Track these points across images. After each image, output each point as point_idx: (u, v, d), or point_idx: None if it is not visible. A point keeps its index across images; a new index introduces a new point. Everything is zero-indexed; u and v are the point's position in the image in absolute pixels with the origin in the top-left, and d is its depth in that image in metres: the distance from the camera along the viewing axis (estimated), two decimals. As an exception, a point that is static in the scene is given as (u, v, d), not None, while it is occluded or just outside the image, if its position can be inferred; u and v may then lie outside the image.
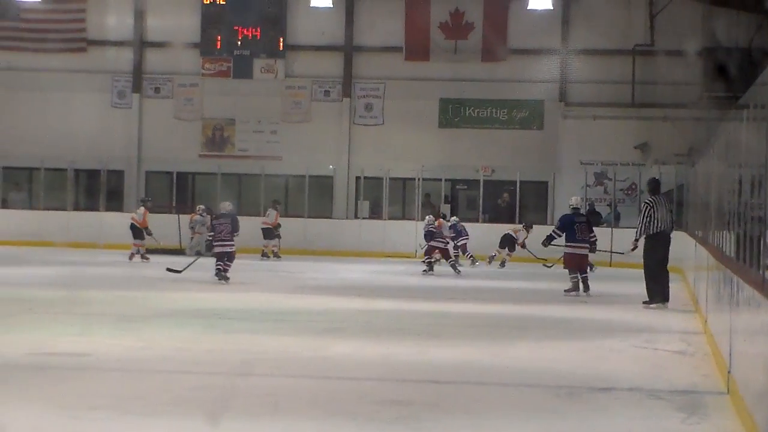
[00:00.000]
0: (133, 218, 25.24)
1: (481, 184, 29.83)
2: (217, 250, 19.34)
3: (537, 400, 9.01)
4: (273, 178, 31.00)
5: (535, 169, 30.21)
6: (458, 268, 22.75)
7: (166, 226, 25.04)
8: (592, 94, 30.47)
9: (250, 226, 28.13)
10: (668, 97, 29.11)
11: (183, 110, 32.35)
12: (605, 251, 24.17)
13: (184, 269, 19.31)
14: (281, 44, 31.87)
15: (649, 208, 16.08)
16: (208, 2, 31.98)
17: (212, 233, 19.58)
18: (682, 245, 19.48)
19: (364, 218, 30.24)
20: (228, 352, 11.11)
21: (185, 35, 32.16)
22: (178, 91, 32.39)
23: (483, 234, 27.71)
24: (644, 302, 16.21)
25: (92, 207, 30.71)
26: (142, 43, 32.38)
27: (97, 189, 31.23)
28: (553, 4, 29.07)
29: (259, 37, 31.93)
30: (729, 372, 9.08)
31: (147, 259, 24.09)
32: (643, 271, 16.45)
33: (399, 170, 29.97)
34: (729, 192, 10.77)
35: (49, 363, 10.12)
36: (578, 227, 18.31)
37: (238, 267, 23.55)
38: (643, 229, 16.09)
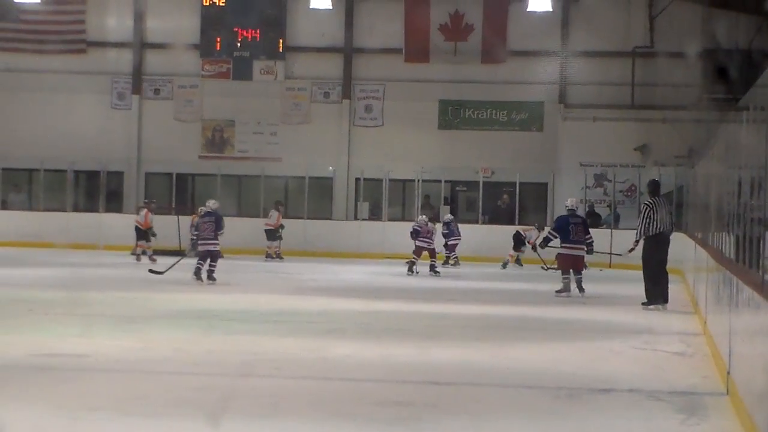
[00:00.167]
0: (136, 221, 25.41)
1: (481, 185, 29.84)
2: (201, 249, 19.17)
3: (537, 401, 9.02)
4: (273, 179, 31.01)
5: (535, 170, 30.21)
6: (437, 270, 22.64)
7: (165, 227, 24.99)
8: (591, 95, 30.48)
9: (250, 228, 28.27)
10: (668, 99, 29.11)
11: (183, 111, 32.37)
12: (604, 253, 24.21)
13: (167, 270, 19.20)
14: (281, 46, 31.87)
15: (648, 209, 16.09)
16: (208, 4, 31.99)
17: (197, 232, 19.30)
18: (681, 247, 19.49)
19: (363, 220, 30.25)
20: (228, 353, 11.12)
21: (185, 37, 32.16)
22: (177, 92, 32.40)
23: (483, 235, 27.75)
24: (643, 303, 16.22)
25: (92, 208, 30.70)
26: (141, 45, 32.38)
27: (96, 190, 31.22)
28: (552, 6, 29.09)
29: (258, 38, 31.94)
30: (728, 373, 9.09)
31: (154, 260, 24.02)
32: (642, 272, 16.47)
33: (399, 172, 29.97)
34: (729, 194, 10.78)
35: (49, 364, 10.12)
36: (573, 228, 18.31)
37: (238, 268, 23.61)
38: (642, 230, 16.10)
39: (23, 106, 32.19)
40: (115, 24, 32.30)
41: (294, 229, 27.14)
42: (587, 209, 28.84)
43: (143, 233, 24.87)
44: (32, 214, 30.21)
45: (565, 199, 27.19)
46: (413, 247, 22.89)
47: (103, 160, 30.93)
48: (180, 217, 27.62)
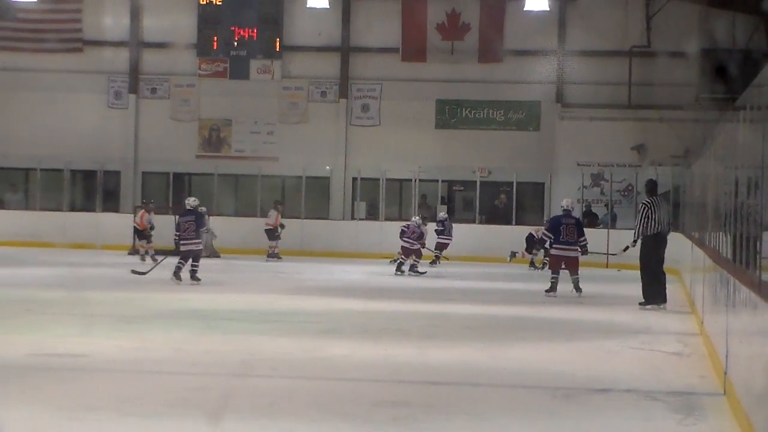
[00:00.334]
0: (134, 222, 25.44)
1: (478, 185, 29.83)
2: (182, 248, 18.94)
3: (534, 401, 9.03)
4: (270, 178, 31.01)
5: (532, 170, 30.21)
6: (419, 270, 22.60)
7: (163, 226, 24.99)
8: (588, 95, 30.48)
9: (247, 227, 28.29)
10: (665, 99, 29.13)
11: (180, 111, 32.35)
12: (599, 253, 24.26)
13: (149, 271, 19.08)
14: (278, 45, 31.86)
15: (647, 208, 16.10)
16: (205, 3, 31.97)
17: (178, 232, 19.08)
18: (678, 247, 19.50)
19: (360, 219, 30.24)
20: (226, 353, 11.12)
21: (182, 36, 32.15)
22: (174, 91, 32.39)
23: (480, 235, 27.74)
24: (640, 303, 16.23)
25: (89, 208, 30.68)
26: (138, 44, 32.35)
27: (93, 189, 31.20)
28: (549, 6, 29.09)
29: (255, 37, 31.93)
30: (725, 373, 9.10)
31: (156, 260, 23.97)
32: (639, 272, 16.49)
33: (396, 171, 29.96)
34: (726, 193, 10.79)
35: (47, 364, 10.13)
36: (564, 229, 18.31)
37: (235, 268, 23.63)
38: (641, 229, 16.11)
39: (20, 105, 32.18)
40: (112, 23, 32.25)
41: (291, 228, 27.13)
42: (584, 209, 28.85)
43: (143, 234, 24.83)
44: (29, 214, 30.18)
45: (562, 198, 27.27)
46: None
47: (100, 159, 30.92)
48: (177, 216, 27.67)
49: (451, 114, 31.55)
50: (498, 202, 30.26)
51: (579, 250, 18.40)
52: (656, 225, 16.03)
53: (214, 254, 26.80)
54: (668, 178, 25.99)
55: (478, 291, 19.68)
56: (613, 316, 15.62)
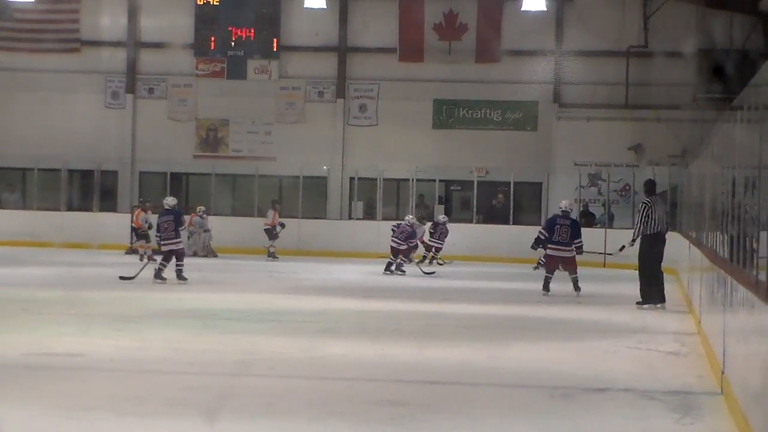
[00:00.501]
0: (132, 222, 25.45)
1: (475, 185, 29.84)
2: (164, 249, 18.79)
3: (532, 400, 9.04)
4: (267, 178, 30.99)
5: (529, 170, 30.21)
6: (403, 269, 22.51)
7: (160, 226, 24.99)
8: (586, 95, 30.49)
9: (244, 227, 28.29)
10: (662, 99, 29.15)
11: (177, 111, 32.34)
12: (595, 252, 24.31)
13: (137, 274, 18.93)
14: (275, 45, 31.85)
15: (647, 208, 16.11)
16: (202, 3, 31.96)
17: (158, 233, 18.90)
18: (676, 246, 19.51)
19: (358, 219, 30.24)
20: (223, 352, 11.12)
21: (179, 36, 32.14)
22: (172, 91, 32.37)
23: (477, 235, 27.73)
24: (638, 303, 16.24)
25: (86, 207, 30.66)
26: (135, 44, 32.34)
27: (90, 189, 31.19)
28: (546, 6, 29.09)
29: (252, 37, 31.92)
30: (723, 372, 9.11)
31: (154, 260, 23.94)
32: (637, 271, 16.50)
33: (393, 171, 29.96)
34: (723, 193, 10.80)
35: (45, 363, 10.12)
36: (558, 229, 18.32)
37: (233, 267, 23.62)
38: (641, 229, 16.11)
39: (17, 105, 32.15)
40: (109, 23, 32.23)
41: (288, 228, 27.11)
42: (581, 209, 28.86)
43: (142, 235, 24.75)
44: (26, 213, 30.15)
45: (559, 198, 27.28)
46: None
47: (97, 159, 30.89)
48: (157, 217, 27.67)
49: (448, 114, 31.55)
50: (496, 202, 30.26)
51: (574, 250, 18.40)
52: (656, 224, 16.05)
53: (211, 254, 26.82)
54: (665, 178, 25.98)
55: (475, 291, 19.68)
56: (610, 315, 15.62)
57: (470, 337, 12.99)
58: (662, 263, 16.42)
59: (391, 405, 8.54)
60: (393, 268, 22.45)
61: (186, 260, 23.35)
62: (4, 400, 8.36)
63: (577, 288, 18.22)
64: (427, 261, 25.37)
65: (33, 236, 28.59)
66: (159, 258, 19.36)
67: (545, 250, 20.03)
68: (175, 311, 14.86)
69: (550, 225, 18.59)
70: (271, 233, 26.81)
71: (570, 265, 18.48)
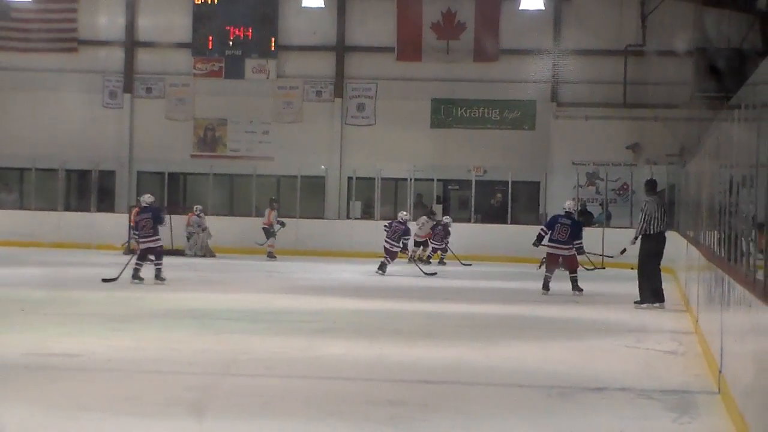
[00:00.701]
0: (130, 221, 25.21)
1: (473, 184, 29.84)
2: (141, 247, 18.61)
3: (529, 400, 9.04)
4: (265, 178, 30.98)
5: (527, 169, 30.22)
6: (387, 268, 22.38)
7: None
8: (583, 94, 30.49)
9: (242, 227, 28.27)
10: (660, 97, 29.15)
11: (174, 110, 32.33)
12: (596, 254, 24.39)
13: (119, 275, 18.81)
14: (273, 44, 31.85)
15: (650, 207, 16.11)
16: (200, 2, 31.95)
17: (136, 231, 18.71)
18: (673, 245, 19.51)
19: (356, 218, 30.24)
20: (221, 352, 11.12)
21: (176, 35, 32.14)
22: (169, 91, 32.37)
23: (475, 234, 27.71)
24: (636, 302, 16.23)
25: (83, 207, 30.64)
26: (133, 43, 32.34)
27: (88, 189, 31.17)
28: (544, 5, 29.06)
29: (250, 37, 31.92)
30: (720, 371, 9.10)
31: (151, 260, 23.88)
32: (637, 271, 16.51)
33: (391, 170, 29.95)
34: (720, 192, 10.80)
35: (43, 363, 10.12)
36: (558, 227, 18.37)
37: (230, 267, 23.61)
38: (644, 227, 16.08)
39: (14, 104, 32.15)
40: (107, 22, 32.23)
41: (286, 228, 27.10)
42: (579, 208, 28.84)
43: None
44: (24, 213, 30.14)
45: (558, 197, 27.37)
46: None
47: (95, 159, 30.88)
48: (172, 216, 27.66)
49: (446, 113, 31.55)
50: (494, 201, 30.27)
51: (573, 249, 18.44)
52: (658, 224, 16.06)
53: (209, 254, 26.81)
54: (663, 177, 25.99)
55: (473, 290, 19.69)
56: (608, 314, 15.62)
57: (468, 336, 12.99)
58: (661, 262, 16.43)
59: (389, 405, 8.54)
60: (388, 266, 22.23)
61: (184, 260, 23.36)
62: (2, 401, 8.35)
63: (576, 288, 18.25)
64: (431, 259, 25.45)
65: (31, 236, 28.57)
66: (128, 260, 19.16)
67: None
68: (172, 311, 14.85)
69: (552, 223, 18.65)
70: (268, 232, 26.82)
71: (570, 265, 18.53)
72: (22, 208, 30.92)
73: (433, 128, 31.52)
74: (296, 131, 31.70)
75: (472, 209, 29.63)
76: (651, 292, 16.14)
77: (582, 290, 18.29)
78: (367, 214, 30.40)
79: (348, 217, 30.60)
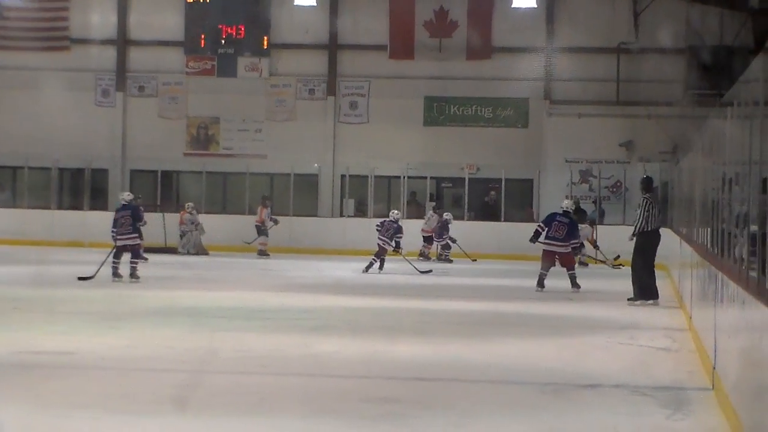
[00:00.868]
0: None
1: (467, 182, 29.85)
2: (118, 244, 18.48)
3: (523, 397, 9.04)
4: (258, 176, 30.96)
5: (520, 167, 30.24)
6: (384, 264, 22.25)
7: (150, 224, 24.92)
8: (576, 91, 30.53)
9: (235, 225, 28.24)
10: (653, 95, 29.17)
11: (167, 109, 32.30)
12: (590, 257, 24.56)
13: (96, 273, 18.77)
14: (265, 42, 31.83)
15: (649, 204, 16.13)
16: (192, 0, 31.92)
17: (114, 228, 18.57)
18: (666, 242, 19.53)
19: (349, 216, 30.24)
20: (215, 350, 11.11)
21: (169, 33, 32.13)
22: (162, 89, 32.34)
23: (469, 232, 27.69)
24: (629, 299, 16.24)
25: (76, 206, 30.60)
26: (125, 42, 32.31)
27: (81, 188, 31.13)
28: (537, 2, 29.14)
29: (243, 35, 31.90)
30: (714, 368, 9.12)
31: (145, 259, 23.82)
32: (630, 268, 16.53)
33: (384, 168, 29.95)
34: (713, 189, 10.82)
35: (35, 362, 10.10)
36: (555, 225, 18.43)
37: (224, 265, 23.59)
38: (642, 225, 16.09)
39: (7, 103, 32.10)
40: (99, 21, 32.19)
41: (280, 226, 27.11)
42: (575, 206, 28.85)
43: None
44: (17, 212, 30.09)
45: (551, 195, 27.41)
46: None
47: (88, 157, 30.83)
48: (165, 214, 27.66)
49: (439, 111, 31.56)
50: (488, 199, 30.30)
51: (569, 247, 18.53)
52: (654, 221, 16.09)
53: (202, 252, 26.80)
54: (656, 174, 26.04)
55: (467, 287, 19.70)
56: (601, 311, 15.63)
57: (462, 333, 13.00)
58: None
59: (383, 402, 8.54)
60: (375, 266, 22.13)
61: (177, 258, 23.36)
62: (-4, 399, 8.35)
63: (575, 285, 18.30)
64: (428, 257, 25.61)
65: (24, 235, 28.53)
66: (107, 257, 19.04)
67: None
68: (166, 309, 14.84)
69: (549, 220, 18.70)
70: (260, 230, 26.81)
71: (567, 262, 18.59)
72: (15, 206, 30.85)
73: (426, 126, 31.53)
74: (289, 129, 31.69)
75: (466, 207, 29.65)
76: (645, 289, 16.16)
77: (579, 287, 18.33)
78: (361, 212, 30.41)
79: (341, 215, 30.59)
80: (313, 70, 31.86)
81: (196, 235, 26.97)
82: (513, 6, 29.44)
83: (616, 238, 24.48)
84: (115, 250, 18.58)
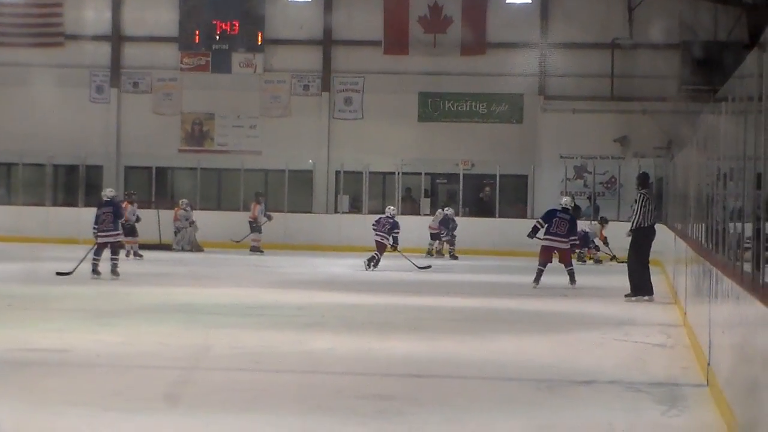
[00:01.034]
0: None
1: (461, 177, 29.86)
2: (99, 241, 18.47)
3: (518, 393, 9.04)
4: (252, 172, 30.94)
5: (515, 162, 30.24)
6: (374, 264, 22.23)
7: (145, 221, 24.94)
8: (571, 87, 30.53)
9: (229, 221, 28.22)
10: (647, 91, 29.19)
11: (161, 105, 32.26)
12: (606, 254, 24.65)
13: (75, 269, 18.74)
14: (260, 38, 31.80)
15: (646, 199, 16.13)
16: (186, -4, 31.91)
17: (96, 225, 18.56)
18: (661, 238, 19.55)
19: (344, 213, 30.22)
20: (208, 347, 11.10)
21: (163, 29, 32.09)
22: (156, 85, 32.30)
23: (463, 228, 27.65)
24: (626, 295, 16.24)
25: (71, 202, 30.57)
26: (119, 38, 32.26)
27: (75, 184, 31.09)
28: (531, -2, 29.12)
29: (237, 31, 31.86)
30: (708, 364, 9.12)
31: (140, 256, 23.79)
32: (627, 264, 16.55)
33: (379, 164, 29.95)
34: (708, 185, 10.82)
35: (30, 359, 10.09)
36: (556, 221, 18.48)
37: (218, 262, 23.58)
38: (639, 220, 16.09)
39: (1, 99, 32.03)
40: (93, 17, 32.13)
41: (274, 222, 27.11)
42: (574, 204, 28.85)
43: (130, 229, 24.34)
44: (11, 209, 30.02)
45: (545, 191, 27.41)
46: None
47: (82, 154, 30.79)
48: (160, 211, 27.62)
49: (433, 107, 31.55)
50: (483, 195, 30.30)
51: (569, 243, 18.57)
52: (651, 216, 16.11)
53: (197, 248, 26.78)
54: (651, 170, 26.04)
55: (462, 284, 19.69)
56: (596, 307, 15.64)
57: (457, 330, 12.99)
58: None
59: (377, 398, 8.54)
60: (366, 262, 22.03)
61: (171, 255, 23.34)
62: (-11, 397, 8.34)
63: (573, 281, 18.35)
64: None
65: (18, 231, 28.50)
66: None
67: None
68: (160, 306, 14.83)
69: (549, 216, 18.74)
70: (253, 226, 26.77)
71: (565, 258, 18.64)
72: (9, 203, 30.79)
73: (420, 122, 31.52)
74: (284, 125, 31.67)
75: (460, 203, 29.63)
76: (641, 284, 16.17)
77: (576, 282, 18.38)
78: (355, 208, 30.39)
79: (336, 211, 30.57)
80: (308, 66, 31.84)
81: (191, 231, 26.95)
82: (507, 1, 29.45)
83: (612, 234, 24.62)
84: (96, 247, 18.54)
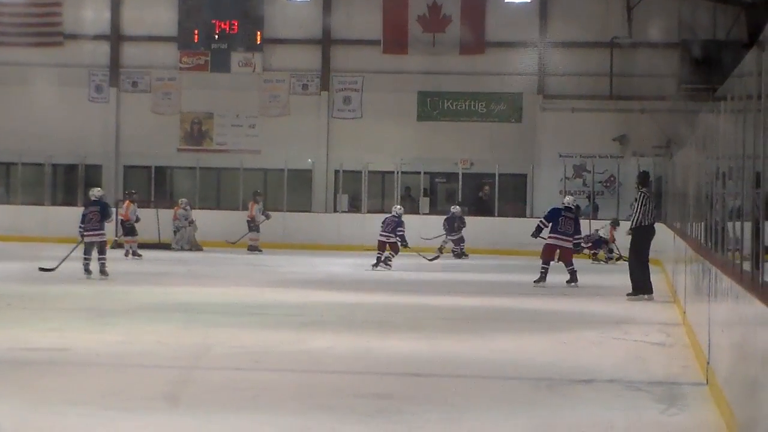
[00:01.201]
0: (120, 214, 24.61)
1: (460, 177, 29.86)
2: (86, 240, 18.51)
3: (517, 392, 9.04)
4: (251, 172, 30.93)
5: (514, 161, 30.24)
6: (390, 263, 22.08)
7: (144, 220, 24.95)
8: (570, 86, 30.52)
9: (230, 220, 28.21)
10: (646, 90, 29.20)
11: (161, 104, 32.26)
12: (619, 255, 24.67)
13: (58, 266, 18.71)
14: (259, 38, 31.79)
15: (646, 198, 16.13)
16: (185, -5, 31.91)
17: (82, 224, 18.57)
18: (660, 237, 19.55)
19: (343, 212, 30.22)
20: (207, 346, 11.09)
21: (162, 29, 32.08)
22: (155, 85, 32.30)
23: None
24: (628, 294, 16.24)
25: (70, 202, 30.52)
26: (118, 37, 32.26)
27: (75, 183, 31.09)
28: (530, -3, 29.12)
29: (236, 30, 31.86)
30: (708, 363, 9.12)
31: (139, 256, 23.77)
32: (628, 263, 16.56)
33: (378, 164, 29.95)
34: (707, 184, 10.82)
35: (29, 358, 10.09)
36: (563, 220, 18.55)
37: (217, 261, 23.57)
38: (639, 219, 16.09)
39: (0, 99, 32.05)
40: (92, 16, 32.13)
41: (273, 221, 27.10)
42: (576, 203, 28.85)
43: (129, 229, 24.33)
44: (10, 208, 30.02)
45: (545, 190, 27.39)
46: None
47: (81, 153, 30.80)
48: (159, 210, 27.62)
49: (432, 106, 31.55)
50: (482, 194, 30.29)
51: (572, 242, 18.62)
52: (651, 215, 16.12)
53: (196, 248, 26.77)
54: (650, 169, 26.03)
55: (461, 283, 19.69)
56: (595, 306, 15.65)
57: (456, 329, 12.99)
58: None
59: (376, 397, 8.54)
60: (381, 263, 22.08)
61: (171, 254, 23.35)
62: (-11, 396, 8.33)
63: (574, 279, 18.37)
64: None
65: (17, 231, 28.49)
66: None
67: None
68: (159, 305, 14.83)
69: (554, 216, 18.79)
70: (250, 225, 26.76)
71: (566, 257, 18.66)
72: (8, 202, 30.79)
73: (419, 121, 31.52)
74: (283, 125, 31.67)
75: (460, 202, 29.59)
76: (642, 283, 16.17)
77: (577, 281, 18.41)
78: (355, 207, 30.39)
79: (335, 211, 30.56)
80: (307, 65, 31.84)
81: (190, 230, 26.94)
82: (506, 1, 29.44)
83: (615, 233, 24.63)
84: (84, 247, 18.54)
